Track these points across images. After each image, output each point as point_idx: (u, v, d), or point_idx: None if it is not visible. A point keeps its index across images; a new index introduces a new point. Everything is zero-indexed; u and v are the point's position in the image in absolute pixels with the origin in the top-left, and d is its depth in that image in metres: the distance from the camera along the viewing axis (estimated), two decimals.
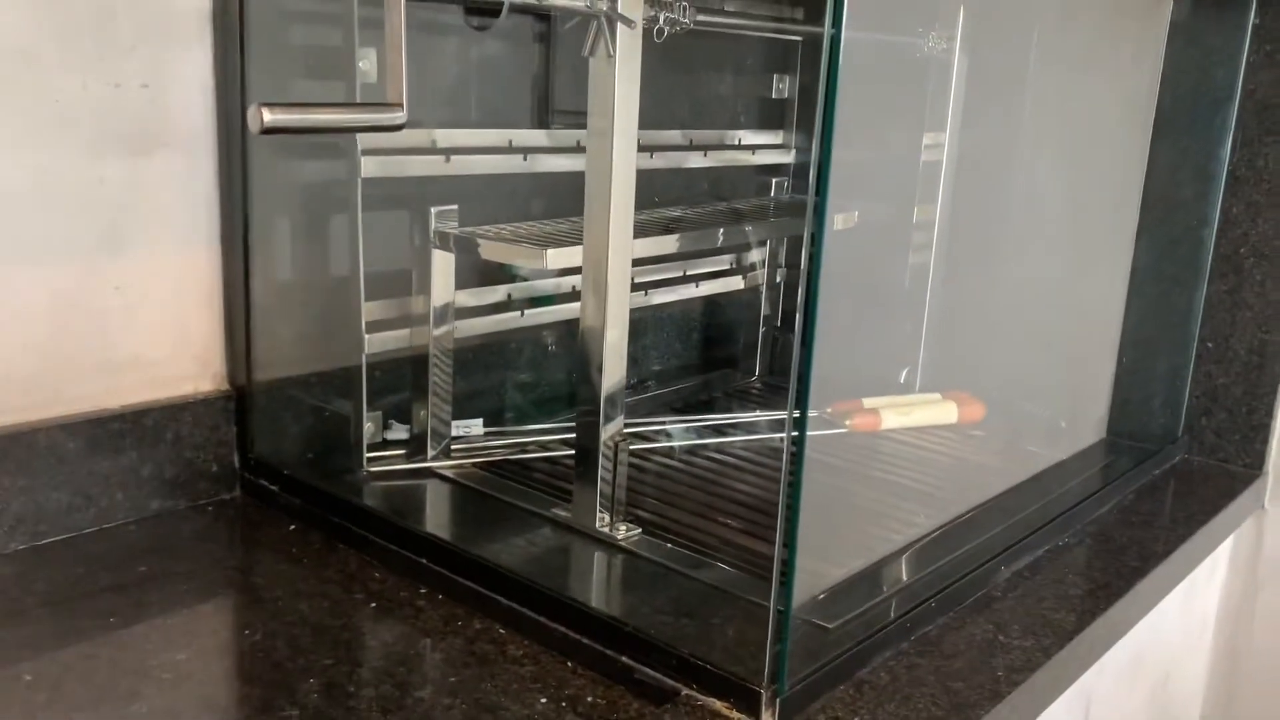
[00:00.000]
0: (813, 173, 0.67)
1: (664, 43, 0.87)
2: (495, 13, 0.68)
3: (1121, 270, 1.16)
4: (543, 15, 0.80)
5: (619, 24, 0.75)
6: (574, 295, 1.10)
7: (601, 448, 0.86)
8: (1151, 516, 1.01)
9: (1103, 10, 1.09)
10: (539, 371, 1.17)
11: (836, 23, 0.61)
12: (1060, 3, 1.06)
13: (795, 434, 0.70)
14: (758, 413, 1.18)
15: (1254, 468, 1.14)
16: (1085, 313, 1.19)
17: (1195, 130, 1.10)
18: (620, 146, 0.80)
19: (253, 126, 0.58)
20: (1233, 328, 1.12)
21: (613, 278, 0.84)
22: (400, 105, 0.65)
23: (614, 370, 0.86)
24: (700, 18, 0.85)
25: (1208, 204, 1.11)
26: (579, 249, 0.88)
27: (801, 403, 0.70)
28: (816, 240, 0.70)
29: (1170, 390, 1.15)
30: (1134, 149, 1.13)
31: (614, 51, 0.76)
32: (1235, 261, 1.11)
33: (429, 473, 0.96)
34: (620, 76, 0.77)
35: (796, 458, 0.72)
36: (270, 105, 0.59)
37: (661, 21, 0.81)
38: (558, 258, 0.88)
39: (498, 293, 1.05)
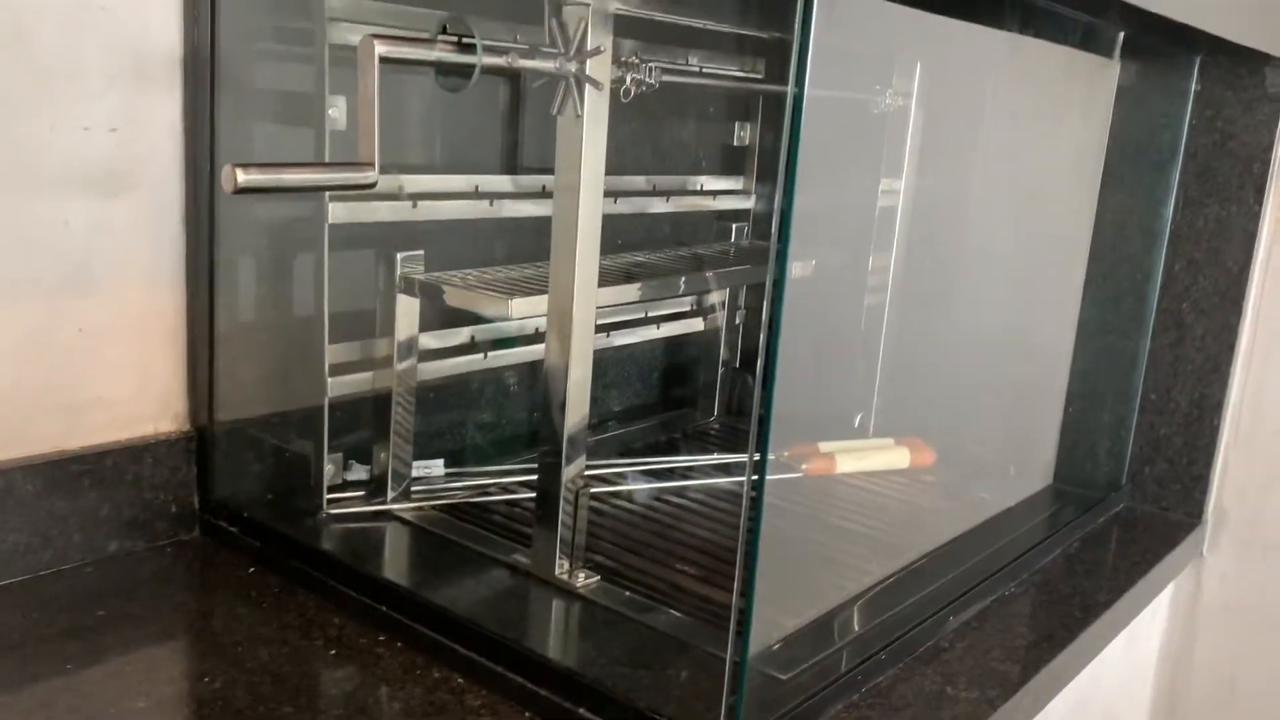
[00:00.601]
0: (775, 223, 0.69)
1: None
2: (467, 75, 0.70)
3: (1069, 321, 1.20)
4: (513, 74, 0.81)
5: (587, 85, 0.77)
6: (537, 337, 1.12)
7: (563, 492, 0.87)
8: (1095, 565, 1.04)
9: (1053, 72, 1.13)
10: (500, 411, 1.18)
11: (800, 82, 0.63)
12: (1013, 64, 1.10)
13: (754, 494, 0.72)
14: (714, 456, 1.20)
15: (1193, 516, 1.18)
16: (1034, 362, 1.22)
17: (1140, 189, 1.14)
18: (587, 202, 0.82)
19: (226, 187, 0.59)
20: (1174, 380, 1.16)
21: (577, 328, 0.86)
22: (372, 164, 0.66)
23: (576, 416, 0.87)
24: (666, 78, 0.87)
25: (1151, 260, 1.15)
26: (544, 298, 0.89)
27: (760, 471, 0.72)
28: (778, 292, 0.72)
29: (1115, 440, 1.19)
30: (1082, 205, 1.17)
31: (582, 112, 0.78)
32: (1177, 316, 1.15)
33: (389, 515, 0.97)
34: (588, 136, 0.79)
35: (755, 510, 0.74)
36: (244, 166, 0.60)
37: (628, 82, 0.83)
38: (522, 307, 0.89)
39: (461, 334, 1.06)
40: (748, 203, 1.37)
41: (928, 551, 0.99)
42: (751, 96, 1.35)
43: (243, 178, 0.60)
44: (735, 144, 1.37)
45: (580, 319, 0.86)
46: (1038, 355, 1.23)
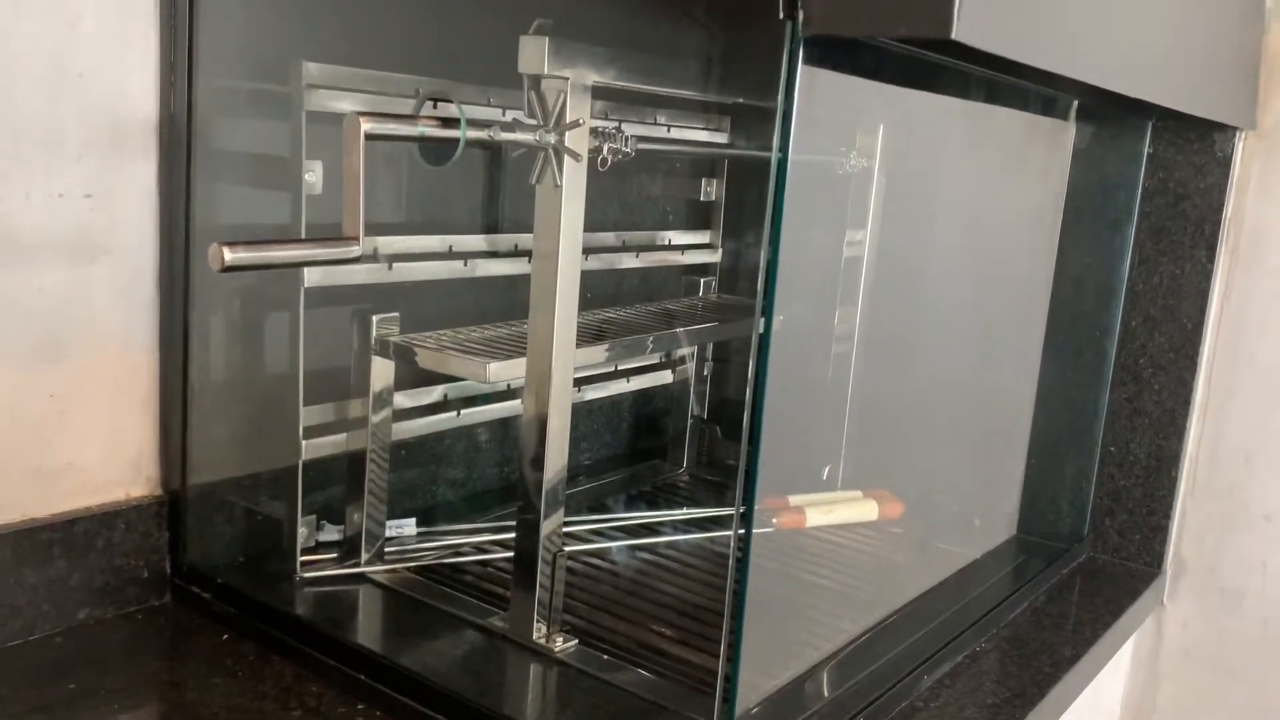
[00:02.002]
0: (761, 280, 0.70)
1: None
2: (450, 152, 0.71)
3: (1030, 375, 1.23)
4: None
5: (566, 156, 0.78)
6: (510, 393, 1.12)
7: (540, 552, 0.87)
8: (1061, 618, 1.06)
9: (1012, 134, 1.17)
10: (472, 468, 1.18)
11: (784, 147, 0.65)
12: (973, 126, 1.13)
13: (738, 578, 0.74)
14: (686, 511, 1.21)
15: (1153, 566, 1.20)
16: (997, 415, 1.25)
17: (1097, 248, 1.17)
18: (565, 269, 0.83)
19: (213, 265, 0.60)
20: (1132, 433, 1.19)
21: (555, 389, 0.86)
22: (356, 239, 0.66)
23: (554, 473, 0.88)
24: (641, 146, 0.88)
25: (1109, 316, 1.18)
26: (520, 361, 0.90)
27: (745, 546, 0.74)
28: (762, 357, 0.74)
29: (1076, 491, 1.21)
30: (1042, 262, 1.20)
31: (560, 181, 0.79)
32: (1135, 371, 1.18)
33: (362, 578, 0.97)
34: (566, 205, 0.81)
35: (741, 586, 0.75)
36: (230, 245, 0.60)
37: (605, 151, 0.84)
38: (500, 371, 0.90)
39: (434, 393, 1.07)
40: (714, 256, 1.39)
41: (899, 607, 1.00)
42: (717, 149, 1.38)
43: (230, 256, 0.60)
44: (702, 199, 1.39)
45: (558, 381, 0.86)
46: (1000, 408, 1.25)
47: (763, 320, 0.73)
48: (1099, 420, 1.20)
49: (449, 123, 0.73)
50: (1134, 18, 0.76)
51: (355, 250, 0.66)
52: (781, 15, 0.54)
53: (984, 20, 0.52)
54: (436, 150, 0.72)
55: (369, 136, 0.67)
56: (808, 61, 0.60)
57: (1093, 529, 1.23)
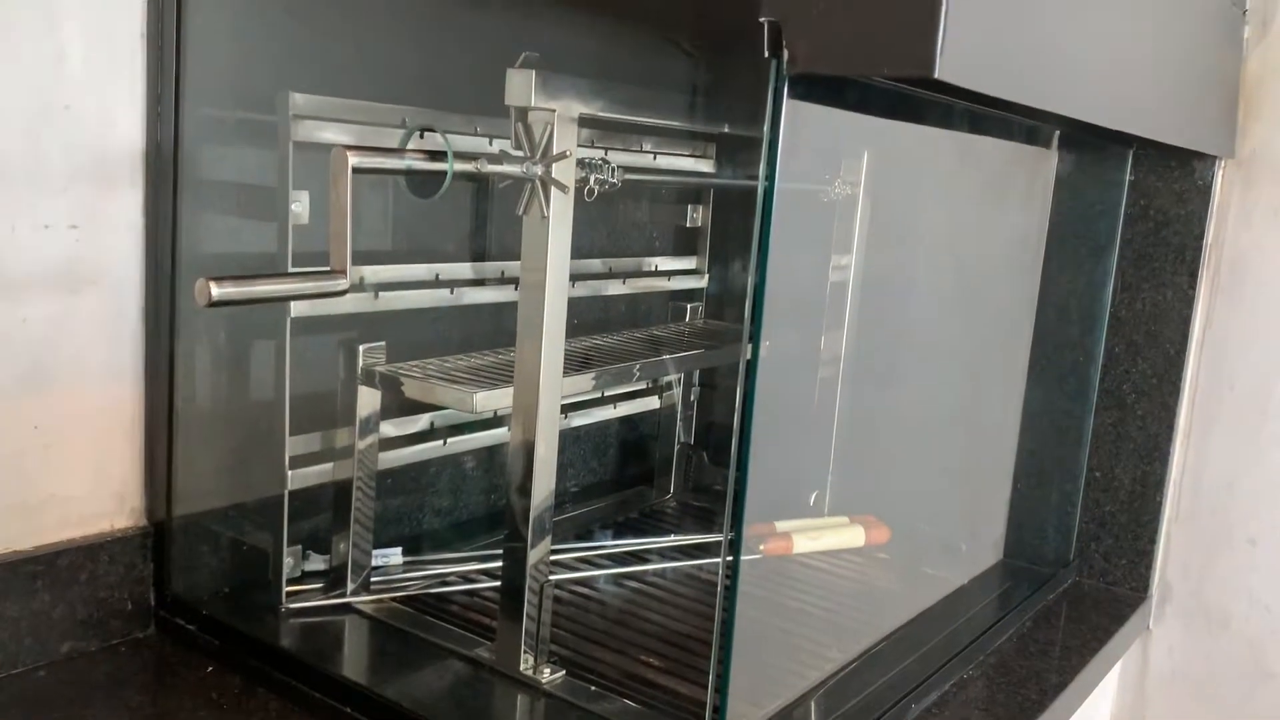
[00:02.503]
0: (748, 308, 0.71)
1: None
2: (438, 184, 0.71)
3: (1015, 400, 1.23)
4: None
5: (553, 188, 0.79)
6: (496, 421, 1.12)
7: (528, 581, 0.87)
8: (1048, 644, 1.06)
9: (995, 161, 1.18)
10: (458, 496, 1.18)
11: (769, 178, 0.66)
12: (956, 153, 1.14)
13: (726, 609, 0.74)
14: (674, 538, 1.21)
15: (1139, 590, 1.21)
16: (982, 440, 1.25)
17: (1080, 274, 1.18)
18: (552, 299, 0.83)
19: (199, 301, 0.60)
20: (1117, 459, 1.20)
21: (542, 419, 0.86)
22: (344, 273, 0.67)
23: (541, 502, 0.88)
24: (628, 176, 0.89)
25: (1092, 342, 1.19)
26: (508, 390, 0.90)
27: (733, 573, 0.74)
28: (749, 389, 0.74)
29: (1062, 516, 1.22)
30: (1025, 288, 1.21)
31: (548, 213, 0.80)
32: (1119, 396, 1.19)
33: (348, 608, 0.96)
34: (553, 236, 0.81)
35: (729, 615, 0.75)
36: (217, 280, 0.60)
37: (592, 182, 0.85)
38: (487, 401, 0.90)
39: (420, 421, 1.06)
40: (701, 282, 1.40)
41: (886, 634, 1.00)
42: (704, 177, 1.38)
43: (216, 292, 0.60)
44: (688, 225, 1.40)
45: (545, 411, 0.86)
46: (986, 433, 1.26)
47: (750, 347, 0.73)
48: (1084, 446, 1.20)
49: (436, 155, 0.73)
50: (1114, 50, 0.77)
51: (343, 284, 0.66)
52: (767, 54, 0.54)
53: (966, 59, 0.52)
54: (424, 183, 0.72)
55: (356, 171, 0.68)
56: (793, 96, 0.61)
57: (1079, 554, 1.23)
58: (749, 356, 0.74)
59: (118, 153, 0.87)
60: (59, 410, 0.87)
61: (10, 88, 0.80)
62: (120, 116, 0.87)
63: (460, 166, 0.73)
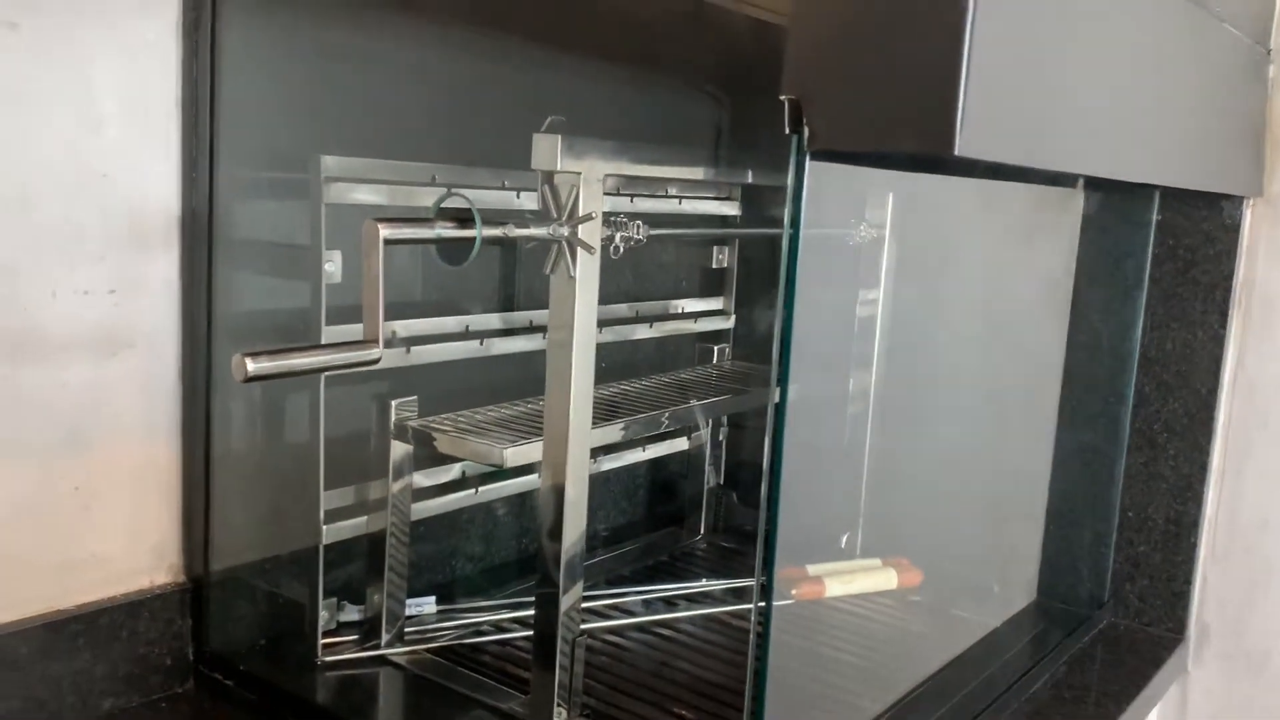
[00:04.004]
0: (775, 354, 0.71)
1: None
2: (467, 252, 0.72)
3: (1046, 440, 1.23)
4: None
5: (579, 249, 0.80)
6: (528, 468, 1.13)
7: (560, 630, 0.88)
8: (1084, 691, 1.05)
9: (1021, 201, 1.18)
10: (490, 543, 1.19)
11: (795, 223, 0.66)
12: (982, 195, 1.14)
13: (759, 649, 0.74)
14: (704, 582, 1.21)
15: (1176, 632, 1.19)
16: (1013, 480, 1.25)
17: (1109, 313, 1.18)
18: (579, 356, 0.84)
19: (236, 376, 0.61)
20: (1150, 498, 1.19)
21: (571, 471, 0.87)
22: (376, 342, 0.68)
23: (571, 549, 0.88)
24: (654, 231, 0.90)
25: (1123, 382, 1.18)
26: (537, 445, 0.91)
27: (765, 620, 0.74)
28: (778, 437, 0.75)
29: (1095, 556, 1.21)
30: (1053, 328, 1.21)
31: (574, 273, 0.81)
32: (1150, 436, 1.18)
33: (383, 660, 0.97)
34: (580, 295, 0.82)
35: (760, 666, 0.75)
36: (253, 355, 0.62)
37: (617, 240, 0.86)
38: (516, 455, 0.91)
39: (452, 470, 1.08)
40: (728, 323, 1.40)
41: (920, 681, 1.00)
42: (728, 222, 1.39)
43: (252, 367, 0.61)
44: (714, 266, 1.40)
45: (574, 463, 0.87)
46: (1016, 473, 1.25)
47: (777, 394, 0.74)
48: (1115, 485, 1.20)
49: (464, 222, 0.74)
50: (1136, 103, 0.78)
51: (375, 353, 0.68)
52: (788, 130, 0.55)
53: (986, 132, 0.53)
54: (453, 249, 0.73)
55: (388, 242, 0.69)
56: (815, 158, 0.61)
57: (1113, 594, 1.22)
58: (777, 401, 0.74)
59: (154, 217, 0.89)
60: (98, 470, 0.88)
61: (50, 157, 0.82)
62: (156, 182, 0.89)
63: (488, 233, 0.74)
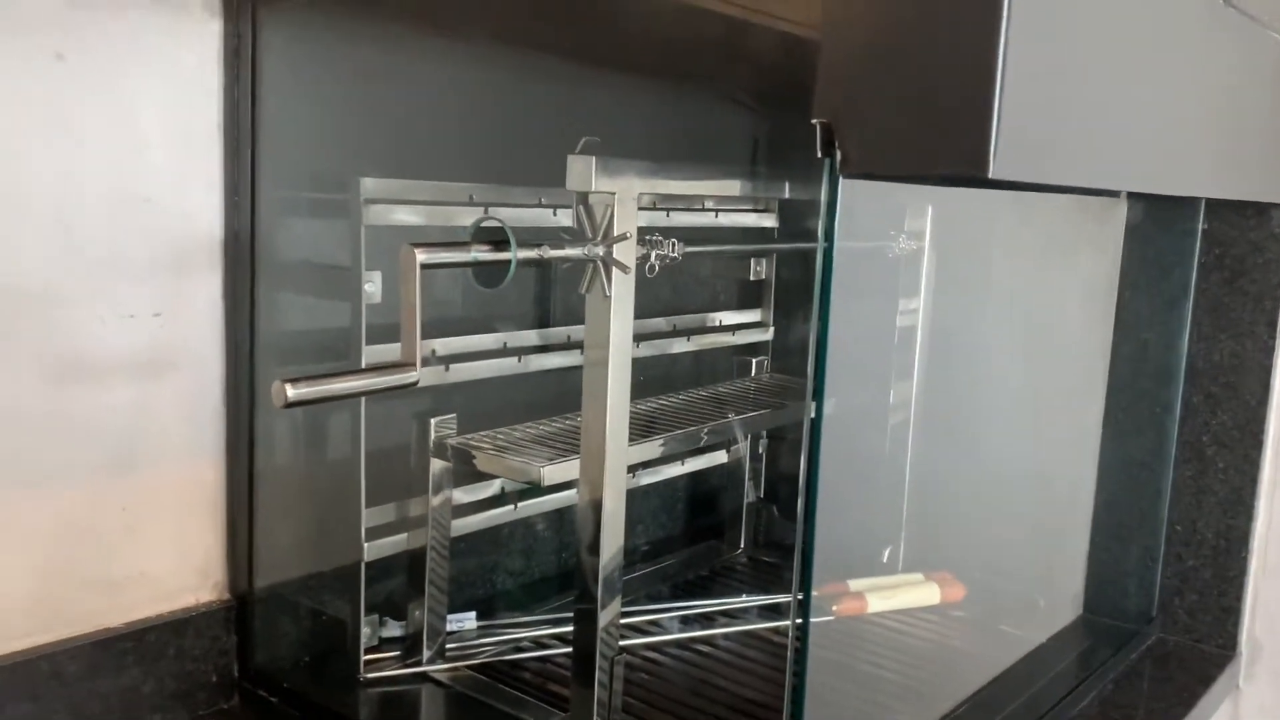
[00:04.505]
0: (810, 370, 0.71)
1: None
2: (503, 275, 0.73)
3: (1090, 452, 1.21)
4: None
5: (614, 268, 0.80)
6: (567, 483, 1.13)
7: (599, 646, 0.87)
8: (1132, 709, 1.03)
9: (1063, 210, 1.16)
10: (530, 558, 1.19)
11: (829, 241, 0.66)
12: (1023, 204, 1.13)
13: (797, 666, 0.73)
14: (746, 598, 1.20)
15: (1227, 648, 1.17)
16: (1058, 492, 1.23)
17: (1154, 324, 1.16)
18: (615, 375, 0.84)
19: (275, 402, 0.62)
20: (1199, 512, 1.17)
21: (608, 488, 0.87)
22: (414, 365, 0.68)
23: (609, 563, 0.88)
24: (689, 249, 0.90)
25: (1169, 394, 1.16)
26: (575, 462, 0.91)
27: (803, 637, 0.74)
28: (814, 452, 0.74)
29: (1143, 571, 1.19)
30: (1097, 338, 1.19)
31: (610, 292, 0.81)
32: (1198, 449, 1.16)
33: (425, 677, 0.98)
34: (615, 314, 0.82)
35: (799, 684, 0.75)
36: (292, 381, 0.63)
37: (653, 259, 0.86)
38: (554, 473, 0.91)
39: (492, 486, 1.08)
40: (766, 335, 1.40)
41: (963, 699, 0.99)
42: (766, 233, 1.39)
43: (292, 393, 0.62)
44: (752, 278, 1.40)
45: (611, 480, 0.87)
46: (1061, 485, 1.23)
47: (813, 409, 0.73)
48: (1163, 499, 1.18)
49: (499, 245, 0.75)
50: (1176, 115, 0.76)
51: (413, 377, 0.68)
52: (820, 154, 0.55)
53: (1022, 153, 0.52)
54: (489, 272, 0.74)
55: (424, 267, 0.70)
56: (849, 177, 0.61)
57: (1161, 609, 1.20)
58: (813, 416, 0.74)
59: (197, 240, 0.91)
60: (145, 490, 0.90)
61: (95, 183, 0.84)
62: (199, 205, 0.91)
63: (523, 255, 0.75)
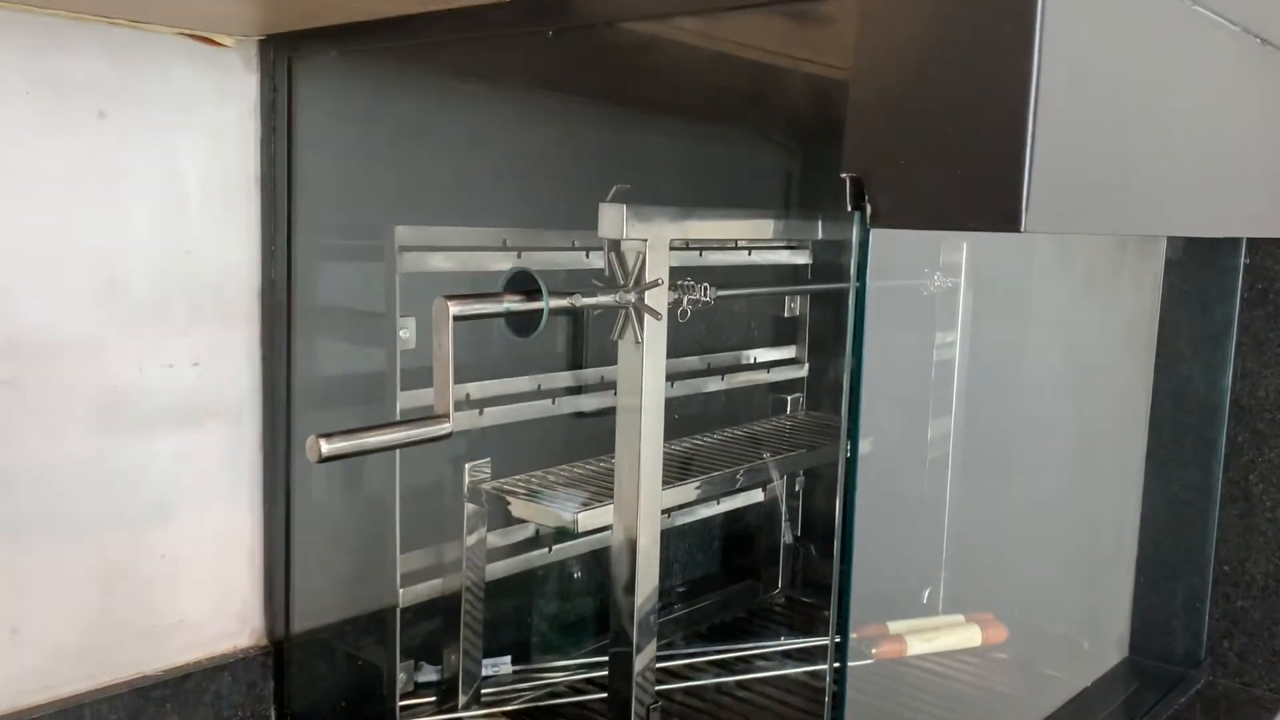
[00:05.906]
0: (845, 409, 0.70)
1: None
2: (536, 323, 0.73)
3: (1134, 490, 1.19)
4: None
5: (646, 315, 0.80)
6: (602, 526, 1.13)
7: (635, 693, 0.87)
8: None
9: (1101, 246, 1.15)
10: (564, 601, 1.19)
11: (861, 276, 0.65)
12: (1058, 238, 1.12)
13: (835, 712, 0.72)
14: (784, 641, 1.19)
15: (1279, 692, 1.14)
16: (1101, 532, 1.21)
17: (1196, 360, 1.14)
18: (649, 420, 0.84)
19: (310, 457, 0.62)
20: (1247, 552, 1.14)
21: (642, 533, 0.87)
22: (447, 417, 0.69)
23: (644, 609, 0.87)
24: (722, 293, 0.90)
25: (1214, 431, 1.14)
26: (609, 508, 0.91)
27: (840, 682, 0.73)
28: (849, 493, 0.73)
29: (1190, 612, 1.16)
30: (1138, 375, 1.17)
31: (641, 339, 0.81)
32: (1244, 487, 1.14)
33: None
34: (648, 360, 0.82)
35: None
36: (327, 436, 0.63)
37: (685, 304, 0.86)
38: (588, 519, 0.91)
39: (526, 530, 1.08)
40: (801, 371, 1.39)
41: None
42: (800, 270, 1.38)
43: (326, 448, 0.63)
44: (785, 315, 1.40)
45: (646, 525, 0.87)
46: (1104, 524, 1.21)
47: (848, 449, 0.73)
48: (1209, 538, 1.15)
49: (532, 295, 0.75)
50: (1212, 158, 0.75)
51: (446, 428, 0.68)
52: (850, 207, 0.54)
53: (1055, 206, 0.52)
54: (521, 321, 0.74)
55: (457, 319, 0.70)
56: (879, 227, 0.61)
57: (1210, 652, 1.17)
58: (848, 455, 0.73)
59: (235, 290, 0.92)
60: (184, 538, 0.91)
61: (136, 237, 0.85)
62: (237, 256, 0.92)
63: (555, 304, 0.75)
